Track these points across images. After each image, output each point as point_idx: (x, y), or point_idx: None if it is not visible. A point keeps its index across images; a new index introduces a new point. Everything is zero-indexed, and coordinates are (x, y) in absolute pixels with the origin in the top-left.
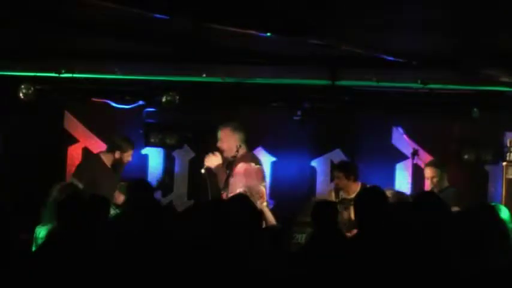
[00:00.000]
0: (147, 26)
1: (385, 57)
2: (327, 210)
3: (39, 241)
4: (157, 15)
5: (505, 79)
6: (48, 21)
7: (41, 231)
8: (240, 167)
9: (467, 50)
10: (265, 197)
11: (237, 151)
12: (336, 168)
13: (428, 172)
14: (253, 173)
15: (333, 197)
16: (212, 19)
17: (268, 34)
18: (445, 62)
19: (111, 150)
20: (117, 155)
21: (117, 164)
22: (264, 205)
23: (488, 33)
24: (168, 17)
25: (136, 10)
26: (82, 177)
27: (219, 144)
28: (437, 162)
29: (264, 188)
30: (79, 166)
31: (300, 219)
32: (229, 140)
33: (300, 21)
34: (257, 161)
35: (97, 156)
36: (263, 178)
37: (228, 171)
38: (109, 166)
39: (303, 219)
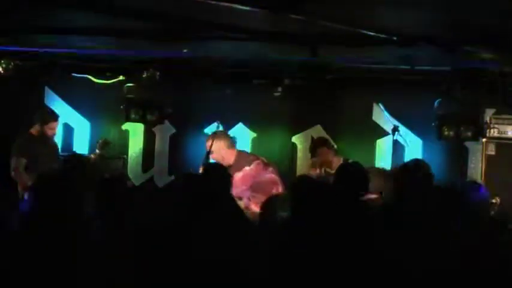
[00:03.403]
0: (127, 1)
1: (366, 33)
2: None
3: None
4: None
5: (486, 56)
6: None
7: None
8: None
9: (448, 27)
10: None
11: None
12: (322, 143)
13: None
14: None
15: (317, 172)
16: None
17: (249, 8)
18: (426, 38)
19: (34, 123)
20: (38, 127)
21: (43, 136)
22: None
23: (470, 9)
24: None
25: None
26: (22, 153)
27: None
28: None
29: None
30: (14, 144)
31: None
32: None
33: None
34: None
35: (27, 132)
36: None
37: None
38: (38, 138)
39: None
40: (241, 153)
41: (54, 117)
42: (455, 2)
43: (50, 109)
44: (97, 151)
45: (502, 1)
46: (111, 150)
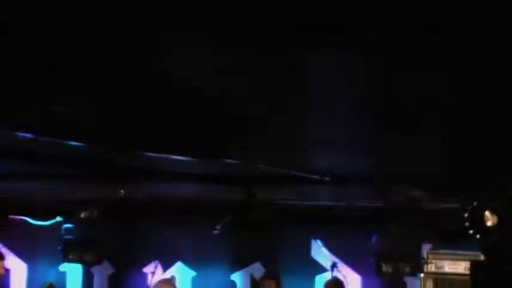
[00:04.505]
0: (63, 150)
1: (300, 174)
2: None
3: None
4: (72, 143)
5: (417, 193)
6: None
7: None
8: None
9: (381, 168)
10: None
11: None
12: (267, 277)
13: None
14: None
15: None
16: (127, 146)
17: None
18: (360, 179)
19: None
20: None
21: None
22: None
23: (402, 152)
24: (83, 144)
25: (51, 139)
26: None
27: None
28: None
29: None
30: None
31: None
32: None
33: (217, 145)
34: None
35: None
36: None
37: None
38: None
39: None
40: None
41: (1, 256)
42: (387, 145)
43: None
44: None
45: (429, 145)
46: None
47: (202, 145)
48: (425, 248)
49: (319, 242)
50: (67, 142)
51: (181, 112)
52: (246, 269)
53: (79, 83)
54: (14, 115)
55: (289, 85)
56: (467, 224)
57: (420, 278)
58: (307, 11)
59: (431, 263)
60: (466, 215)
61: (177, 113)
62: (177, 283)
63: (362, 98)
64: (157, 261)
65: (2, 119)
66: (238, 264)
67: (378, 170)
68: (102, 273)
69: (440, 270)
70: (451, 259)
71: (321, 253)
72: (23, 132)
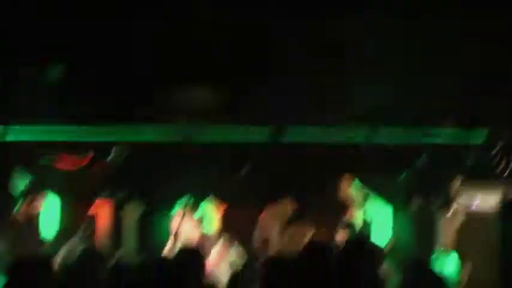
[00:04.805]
0: None
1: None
2: None
3: None
4: None
5: (448, 131)
6: None
7: None
8: None
9: (411, 106)
10: None
11: None
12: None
13: None
14: None
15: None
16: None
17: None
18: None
19: None
20: None
21: None
22: None
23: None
24: None
25: None
26: None
27: None
28: None
29: None
30: None
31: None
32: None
33: None
34: None
35: None
36: None
37: None
38: None
39: None
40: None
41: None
42: (415, 84)
43: None
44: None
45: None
46: None
47: None
48: (455, 184)
49: (351, 177)
50: None
51: None
52: (277, 204)
53: None
54: None
55: None
56: (495, 161)
57: (449, 215)
58: None
59: (459, 199)
60: (494, 152)
61: None
62: (207, 217)
63: None
64: (188, 196)
65: None
66: (269, 200)
67: (409, 110)
68: (132, 212)
69: (469, 207)
70: (480, 196)
71: (353, 188)
72: None
